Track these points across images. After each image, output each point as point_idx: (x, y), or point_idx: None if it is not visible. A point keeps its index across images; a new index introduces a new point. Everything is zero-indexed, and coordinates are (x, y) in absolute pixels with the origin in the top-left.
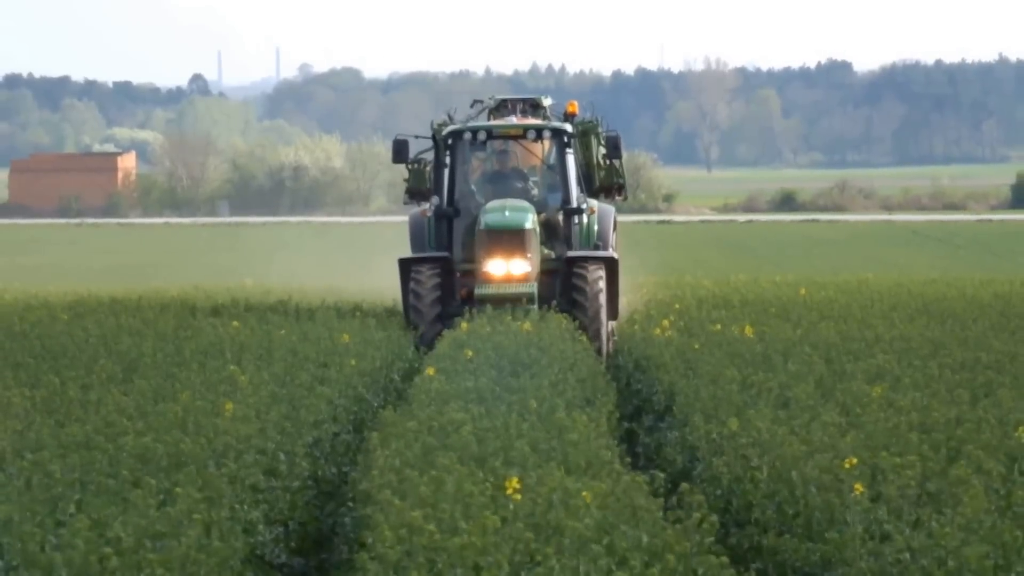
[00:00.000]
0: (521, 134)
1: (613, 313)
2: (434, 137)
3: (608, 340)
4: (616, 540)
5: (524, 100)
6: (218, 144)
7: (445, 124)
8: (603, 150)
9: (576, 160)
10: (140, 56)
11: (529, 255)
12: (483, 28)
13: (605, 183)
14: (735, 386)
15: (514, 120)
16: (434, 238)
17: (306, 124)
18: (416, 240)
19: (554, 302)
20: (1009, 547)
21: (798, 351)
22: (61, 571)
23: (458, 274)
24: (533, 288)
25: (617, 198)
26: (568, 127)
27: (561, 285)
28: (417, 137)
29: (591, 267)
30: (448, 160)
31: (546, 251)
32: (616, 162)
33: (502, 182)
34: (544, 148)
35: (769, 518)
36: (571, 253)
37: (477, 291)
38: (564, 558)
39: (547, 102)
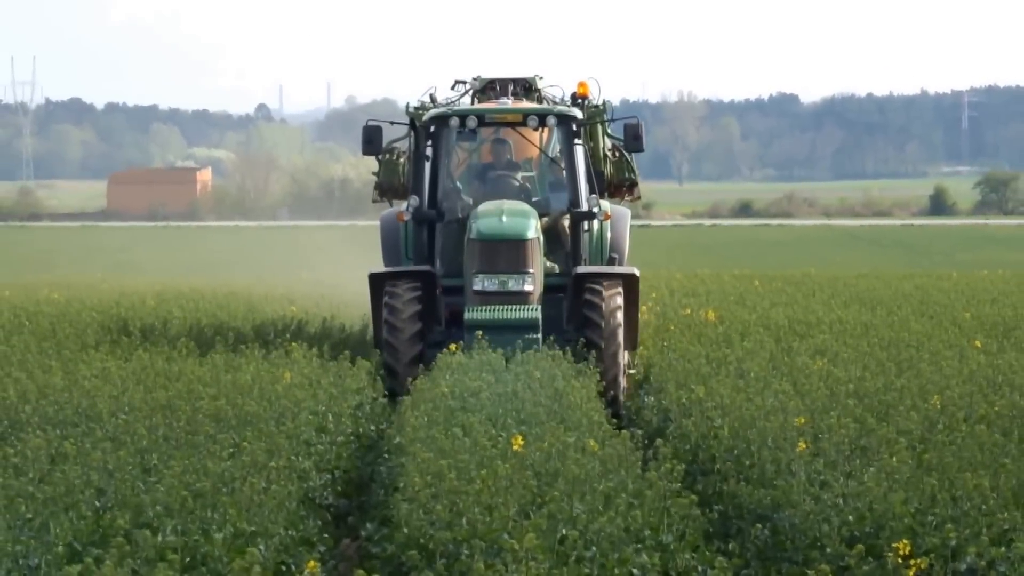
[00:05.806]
0: (520, 120)
1: (632, 342)
2: (412, 123)
3: (624, 372)
4: (605, 484)
5: (515, 81)
6: (279, 161)
7: (425, 108)
8: (609, 142)
9: (585, 153)
10: (215, 88)
11: (531, 270)
12: (491, 67)
13: (615, 181)
14: (701, 360)
15: (508, 104)
16: (412, 247)
17: (352, 146)
18: (390, 250)
19: (554, 338)
20: (925, 494)
21: (753, 331)
22: (149, 511)
23: (440, 290)
24: (536, 312)
25: (627, 198)
26: (578, 113)
27: (569, 308)
28: (393, 123)
29: (607, 285)
30: (430, 151)
31: (549, 264)
32: (628, 155)
33: (495, 179)
34: (545, 138)
35: (729, 468)
36: (582, 269)
37: (468, 316)
38: (562, 500)
39: (542, 84)
